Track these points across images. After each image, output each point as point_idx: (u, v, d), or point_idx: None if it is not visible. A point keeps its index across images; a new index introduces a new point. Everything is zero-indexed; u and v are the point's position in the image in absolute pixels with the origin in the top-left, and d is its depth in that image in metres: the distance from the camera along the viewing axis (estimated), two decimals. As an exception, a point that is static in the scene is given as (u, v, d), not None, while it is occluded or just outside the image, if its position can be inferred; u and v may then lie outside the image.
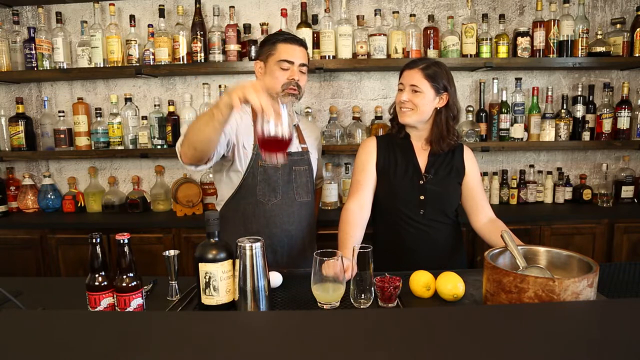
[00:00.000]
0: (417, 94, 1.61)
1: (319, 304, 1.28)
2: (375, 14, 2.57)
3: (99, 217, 2.67)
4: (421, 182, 1.68)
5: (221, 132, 1.48)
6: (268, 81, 1.72)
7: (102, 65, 2.60)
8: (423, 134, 1.72)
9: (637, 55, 2.54)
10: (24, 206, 2.79)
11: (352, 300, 1.28)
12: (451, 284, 1.29)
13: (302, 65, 1.73)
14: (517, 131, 2.64)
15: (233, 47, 2.56)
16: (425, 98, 1.62)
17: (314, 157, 1.87)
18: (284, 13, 2.56)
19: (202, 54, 2.57)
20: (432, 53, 2.57)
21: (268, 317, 1.05)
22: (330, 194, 2.64)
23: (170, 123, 2.64)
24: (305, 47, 1.77)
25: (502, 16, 2.61)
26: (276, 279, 1.40)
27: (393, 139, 1.76)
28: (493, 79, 2.72)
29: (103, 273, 1.18)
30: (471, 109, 2.69)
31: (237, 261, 1.21)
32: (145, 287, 1.40)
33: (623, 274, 1.59)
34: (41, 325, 0.88)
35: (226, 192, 1.78)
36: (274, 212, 1.74)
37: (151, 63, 2.58)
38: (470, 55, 2.55)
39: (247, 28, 2.60)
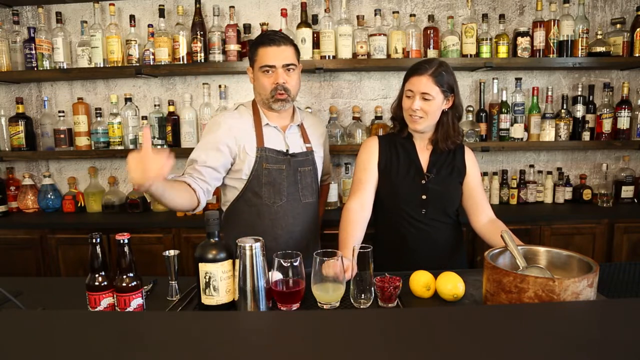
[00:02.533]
0: (427, 102, 1.59)
1: (319, 304, 1.28)
2: (375, 14, 2.57)
3: (99, 217, 2.67)
4: (423, 181, 1.68)
5: (182, 197, 1.53)
6: (258, 88, 1.71)
7: (102, 65, 2.60)
8: (427, 135, 1.72)
9: (637, 55, 2.54)
10: (24, 206, 2.79)
11: (352, 300, 1.28)
12: (451, 284, 1.29)
13: (288, 65, 1.65)
14: (517, 131, 2.64)
15: (233, 47, 2.56)
16: (435, 104, 1.60)
17: (318, 155, 1.85)
18: (284, 13, 2.56)
19: (202, 54, 2.57)
20: (432, 53, 2.57)
21: (268, 317, 1.05)
22: (331, 194, 2.64)
23: (170, 123, 2.64)
24: (291, 45, 1.67)
25: (502, 16, 2.61)
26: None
27: (395, 139, 1.76)
28: (493, 79, 2.72)
29: (103, 273, 1.18)
30: (471, 109, 2.69)
31: (237, 261, 1.21)
32: (145, 287, 1.40)
33: (623, 274, 1.59)
34: (41, 325, 0.88)
35: (230, 194, 1.77)
36: (279, 214, 1.73)
37: (151, 63, 2.58)
38: (470, 55, 2.55)
39: (247, 28, 2.60)
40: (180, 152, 2.67)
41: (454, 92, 1.64)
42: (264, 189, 1.71)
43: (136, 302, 1.18)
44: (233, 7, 2.60)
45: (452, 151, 1.73)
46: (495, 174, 2.77)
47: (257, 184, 1.71)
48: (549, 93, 2.70)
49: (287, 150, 1.75)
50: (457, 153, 1.74)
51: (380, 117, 2.65)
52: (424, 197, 1.67)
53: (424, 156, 1.72)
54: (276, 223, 1.74)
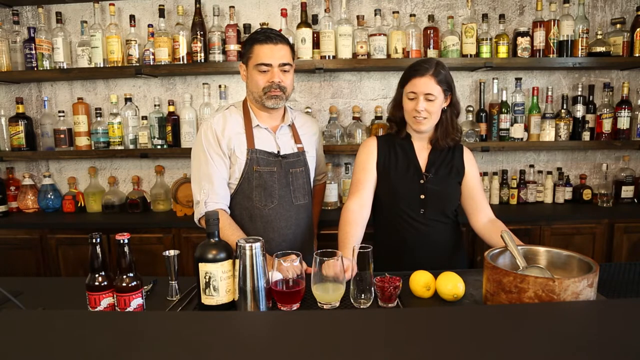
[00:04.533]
0: (431, 102, 1.60)
1: (319, 304, 1.28)
2: (375, 14, 2.57)
3: (99, 217, 2.67)
4: (422, 181, 1.68)
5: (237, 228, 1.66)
6: (250, 86, 1.69)
7: (102, 65, 2.59)
8: (427, 135, 1.72)
9: (637, 55, 2.54)
10: (24, 206, 2.79)
11: (352, 300, 1.28)
12: (451, 284, 1.29)
13: (284, 64, 1.64)
14: (517, 131, 2.64)
15: (233, 47, 2.55)
16: (437, 104, 1.62)
17: (310, 155, 1.84)
18: (284, 13, 2.56)
19: (202, 54, 2.57)
20: (432, 53, 2.57)
21: (268, 317, 1.05)
22: (330, 194, 2.64)
23: (170, 123, 2.64)
24: (287, 43, 1.67)
25: (502, 16, 2.61)
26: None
27: (393, 139, 1.75)
28: (493, 79, 2.72)
29: (103, 273, 1.18)
30: (471, 109, 2.69)
31: (237, 261, 1.21)
32: (145, 287, 1.40)
33: (623, 274, 1.59)
34: (41, 325, 0.88)
35: None
36: (271, 217, 1.73)
37: (151, 63, 2.58)
38: (470, 55, 2.55)
39: (247, 28, 2.60)
40: (180, 152, 2.68)
41: (452, 90, 1.65)
42: (254, 192, 1.70)
43: (136, 302, 1.18)
44: (233, 7, 2.60)
45: (451, 151, 1.73)
46: (495, 174, 2.77)
47: (247, 187, 1.70)
48: (549, 93, 2.70)
49: (278, 152, 1.74)
50: (455, 153, 1.74)
51: (380, 117, 2.65)
52: (422, 196, 1.67)
53: (422, 156, 1.72)
54: (268, 226, 1.73)
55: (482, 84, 2.70)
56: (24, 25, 2.73)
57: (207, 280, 1.21)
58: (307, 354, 0.75)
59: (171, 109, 2.67)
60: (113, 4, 2.61)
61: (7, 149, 2.76)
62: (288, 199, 1.75)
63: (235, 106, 1.79)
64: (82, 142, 2.71)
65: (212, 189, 1.66)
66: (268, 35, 1.62)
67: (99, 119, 2.72)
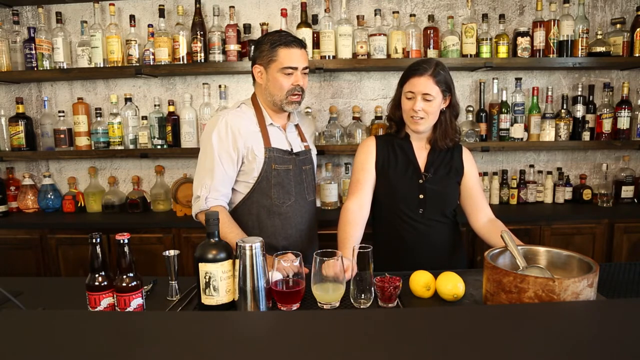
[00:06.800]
0: (429, 102, 1.60)
1: (319, 304, 1.28)
2: (375, 14, 2.57)
3: (99, 217, 2.67)
4: (421, 181, 1.68)
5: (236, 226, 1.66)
6: (272, 89, 1.68)
7: (102, 65, 2.59)
8: (425, 134, 1.72)
9: (637, 55, 2.54)
10: (24, 206, 2.79)
11: (352, 300, 1.28)
12: (451, 284, 1.29)
13: (305, 68, 1.69)
14: (517, 131, 2.64)
15: (233, 47, 2.56)
16: (435, 104, 1.61)
17: (314, 153, 1.89)
18: (284, 13, 2.56)
19: (202, 54, 2.57)
20: (432, 53, 2.57)
21: (268, 317, 1.05)
22: (330, 194, 2.64)
23: (170, 123, 2.64)
24: (305, 47, 1.72)
25: (502, 16, 2.61)
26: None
27: (392, 139, 1.76)
28: (493, 79, 2.72)
29: (103, 273, 1.18)
30: (471, 109, 2.69)
31: (237, 261, 1.21)
32: (145, 287, 1.40)
33: (623, 274, 1.59)
34: (41, 325, 0.88)
35: (236, 196, 1.75)
36: (290, 214, 1.74)
37: (151, 63, 2.58)
38: (470, 55, 2.55)
39: (247, 28, 2.60)
40: (180, 152, 2.68)
41: (451, 91, 1.65)
42: (273, 190, 1.71)
43: (136, 302, 1.18)
44: (233, 7, 2.60)
45: (450, 151, 1.73)
46: (495, 174, 2.77)
47: (266, 185, 1.71)
48: (549, 93, 2.70)
49: (292, 149, 1.76)
50: (454, 153, 1.74)
51: (380, 117, 2.65)
52: (421, 196, 1.67)
53: (421, 156, 1.72)
54: (286, 223, 1.74)
55: (482, 84, 2.70)
56: (24, 25, 2.73)
57: (207, 280, 1.21)
58: (307, 354, 0.75)
59: (171, 109, 2.67)
60: (113, 4, 2.61)
61: (7, 149, 2.76)
62: (302, 195, 1.78)
63: (245, 104, 1.77)
64: (82, 142, 2.71)
65: (213, 186, 1.66)
66: (292, 39, 1.67)
67: (99, 119, 2.72)
